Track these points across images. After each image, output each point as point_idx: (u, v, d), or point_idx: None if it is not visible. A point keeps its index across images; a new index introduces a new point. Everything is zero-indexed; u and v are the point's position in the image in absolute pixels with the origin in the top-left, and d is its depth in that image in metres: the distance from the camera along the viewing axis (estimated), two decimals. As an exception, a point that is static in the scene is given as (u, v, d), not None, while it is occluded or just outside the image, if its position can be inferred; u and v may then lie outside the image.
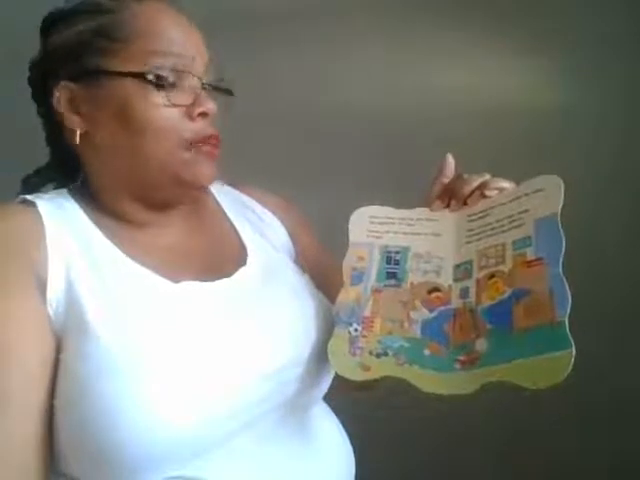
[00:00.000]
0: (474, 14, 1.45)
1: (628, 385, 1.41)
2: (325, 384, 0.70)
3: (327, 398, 0.74)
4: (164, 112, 0.60)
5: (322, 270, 0.77)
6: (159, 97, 0.59)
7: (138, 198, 0.64)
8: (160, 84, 0.59)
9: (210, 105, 0.62)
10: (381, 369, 0.58)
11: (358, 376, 0.58)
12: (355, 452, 0.74)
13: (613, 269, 1.45)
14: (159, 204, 0.65)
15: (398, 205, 0.73)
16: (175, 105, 0.60)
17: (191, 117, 0.61)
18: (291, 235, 0.80)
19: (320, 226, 0.86)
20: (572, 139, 1.48)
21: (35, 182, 0.68)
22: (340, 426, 0.75)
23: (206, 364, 0.56)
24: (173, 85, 0.60)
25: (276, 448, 0.63)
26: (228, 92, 0.67)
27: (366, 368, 0.58)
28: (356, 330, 0.61)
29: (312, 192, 1.35)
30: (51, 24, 0.64)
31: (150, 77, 0.59)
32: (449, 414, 1.10)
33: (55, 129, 0.65)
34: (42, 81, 0.64)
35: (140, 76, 0.59)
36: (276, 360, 0.62)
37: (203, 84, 0.63)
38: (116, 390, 0.52)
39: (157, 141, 0.60)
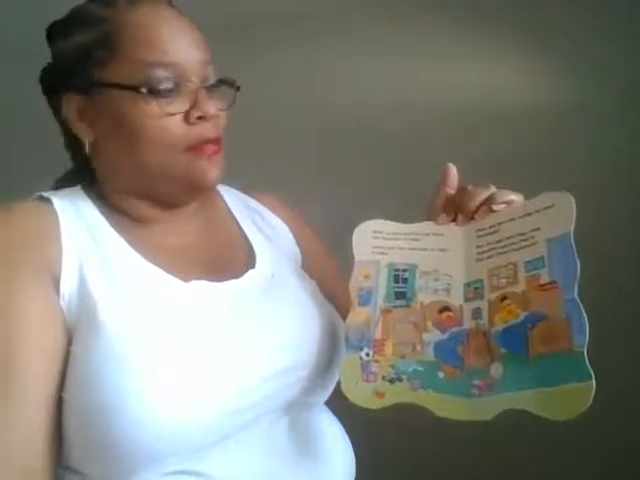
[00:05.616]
0: (474, 15, 1.43)
1: (628, 385, 1.42)
2: (329, 387, 0.70)
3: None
4: (159, 122, 0.60)
5: (327, 278, 0.77)
6: (154, 108, 0.59)
7: (146, 198, 0.65)
8: (154, 95, 0.59)
9: (207, 108, 0.61)
10: (396, 395, 0.57)
11: (373, 404, 0.57)
12: (355, 453, 0.73)
13: (614, 268, 1.45)
14: (166, 203, 0.66)
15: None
16: (170, 114, 0.60)
17: (189, 122, 0.61)
18: (298, 242, 0.81)
19: (320, 226, 0.87)
20: (572, 139, 1.48)
21: (66, 184, 0.68)
22: (342, 428, 0.75)
23: (210, 362, 0.57)
24: (170, 92, 0.60)
25: (278, 447, 0.63)
26: (231, 85, 0.66)
27: (380, 395, 0.57)
28: (367, 355, 0.60)
29: (312, 193, 1.34)
30: (51, 35, 0.65)
31: (144, 90, 0.58)
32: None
33: (70, 136, 0.66)
34: (52, 92, 0.65)
35: (134, 89, 0.59)
36: (276, 363, 0.62)
37: (200, 87, 0.62)
38: (123, 386, 0.52)
39: (154, 149, 0.60)
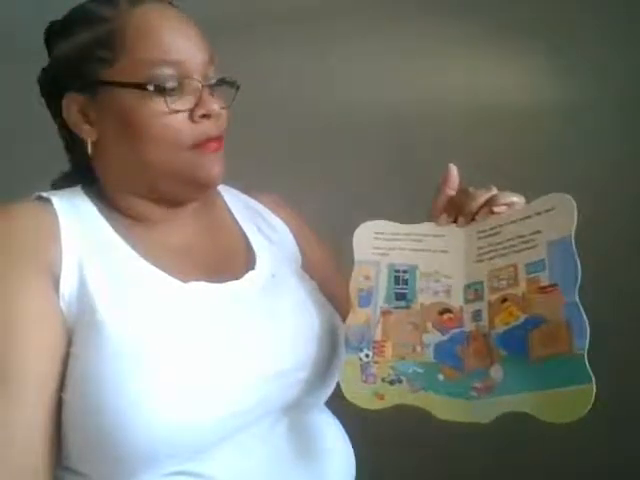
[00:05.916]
0: (474, 15, 1.43)
1: (628, 385, 1.41)
2: (329, 388, 0.71)
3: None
4: (164, 119, 0.60)
5: (327, 278, 0.77)
6: (160, 105, 0.59)
7: (148, 196, 0.65)
8: (160, 93, 0.59)
9: (211, 106, 0.62)
10: (395, 397, 0.57)
11: (372, 405, 0.57)
12: (355, 453, 0.74)
13: (612, 267, 1.45)
14: (169, 201, 0.66)
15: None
16: (176, 111, 0.60)
17: (193, 120, 0.61)
18: (298, 242, 0.81)
19: (320, 226, 0.87)
20: (572, 139, 1.48)
21: (63, 186, 0.68)
22: (342, 428, 0.75)
23: (209, 364, 0.57)
24: (174, 90, 0.60)
25: (277, 447, 0.63)
26: (231, 85, 0.67)
27: (380, 397, 0.57)
28: (367, 356, 0.60)
29: (312, 193, 1.34)
30: (52, 36, 0.65)
31: (150, 87, 0.59)
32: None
33: (69, 137, 0.66)
34: (52, 93, 0.65)
35: (140, 86, 0.59)
36: (277, 364, 0.62)
37: (204, 85, 0.62)
38: (122, 387, 0.52)
39: (158, 147, 0.61)
